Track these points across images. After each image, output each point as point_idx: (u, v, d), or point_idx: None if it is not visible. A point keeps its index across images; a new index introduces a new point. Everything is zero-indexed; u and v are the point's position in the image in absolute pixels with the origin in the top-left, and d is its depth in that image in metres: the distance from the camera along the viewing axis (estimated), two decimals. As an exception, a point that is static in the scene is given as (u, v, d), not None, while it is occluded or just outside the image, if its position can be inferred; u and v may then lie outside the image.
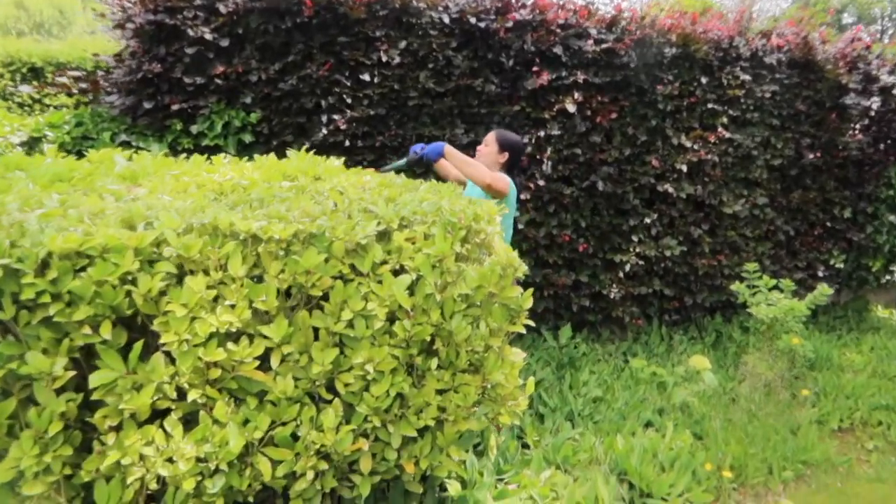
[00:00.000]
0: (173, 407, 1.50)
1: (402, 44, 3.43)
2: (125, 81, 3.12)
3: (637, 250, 4.30)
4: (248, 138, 3.21)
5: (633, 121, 4.08)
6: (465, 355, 1.76)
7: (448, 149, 2.67)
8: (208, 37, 3.09)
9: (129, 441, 1.40)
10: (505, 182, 2.68)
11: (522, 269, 1.81)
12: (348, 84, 3.36)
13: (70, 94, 3.37)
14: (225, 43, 3.14)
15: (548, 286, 4.14)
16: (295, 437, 1.58)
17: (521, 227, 3.94)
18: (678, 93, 4.15)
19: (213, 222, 1.50)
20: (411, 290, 1.63)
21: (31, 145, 3.00)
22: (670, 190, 4.18)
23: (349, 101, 3.36)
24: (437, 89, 3.54)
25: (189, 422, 1.51)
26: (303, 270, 1.54)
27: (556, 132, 3.83)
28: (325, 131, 3.30)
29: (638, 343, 4.45)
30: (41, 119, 3.01)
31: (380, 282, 1.62)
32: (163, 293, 1.44)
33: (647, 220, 4.27)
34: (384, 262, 1.65)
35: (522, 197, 3.89)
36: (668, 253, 4.26)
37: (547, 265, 4.14)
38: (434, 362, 1.73)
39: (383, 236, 1.69)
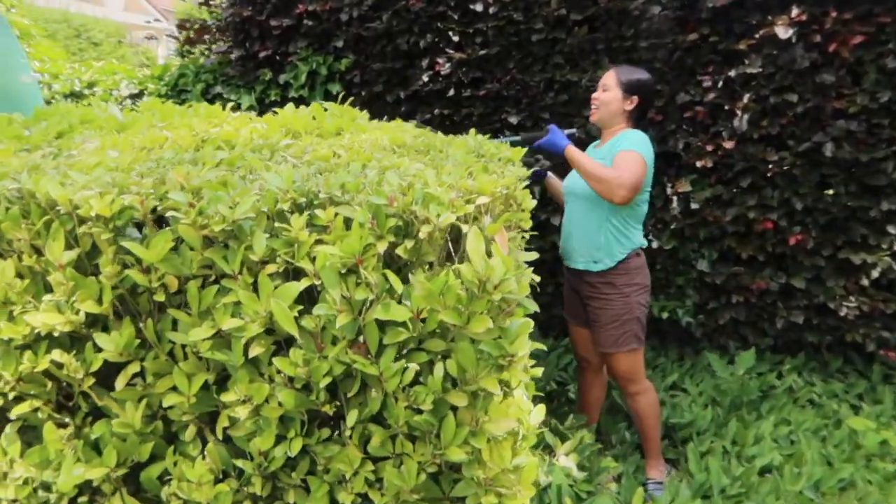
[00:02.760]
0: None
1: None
2: (222, 28, 3.03)
3: (895, 248, 2.97)
4: (335, 88, 2.90)
5: (900, 48, 2.74)
6: (403, 414, 1.17)
7: (571, 150, 2.16)
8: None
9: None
10: (638, 173, 2.05)
11: (513, 285, 1.12)
12: (455, 17, 2.79)
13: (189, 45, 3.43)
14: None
15: (736, 290, 3.11)
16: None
17: (696, 206, 2.97)
18: None
19: (30, 189, 1.15)
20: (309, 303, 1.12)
21: (139, 96, 3.10)
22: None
23: (455, 38, 2.80)
24: (573, 17, 2.77)
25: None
26: (136, 263, 1.12)
27: (757, 69, 2.75)
28: (424, 78, 2.81)
29: (888, 385, 3.13)
30: (148, 71, 3.09)
31: (254, 288, 1.11)
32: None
33: (920, 204, 2.90)
34: (265, 262, 1.13)
35: (700, 164, 2.92)
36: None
37: (737, 261, 3.10)
38: (353, 415, 1.18)
39: (283, 216, 1.18)
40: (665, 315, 3.14)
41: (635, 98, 2.17)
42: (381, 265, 1.14)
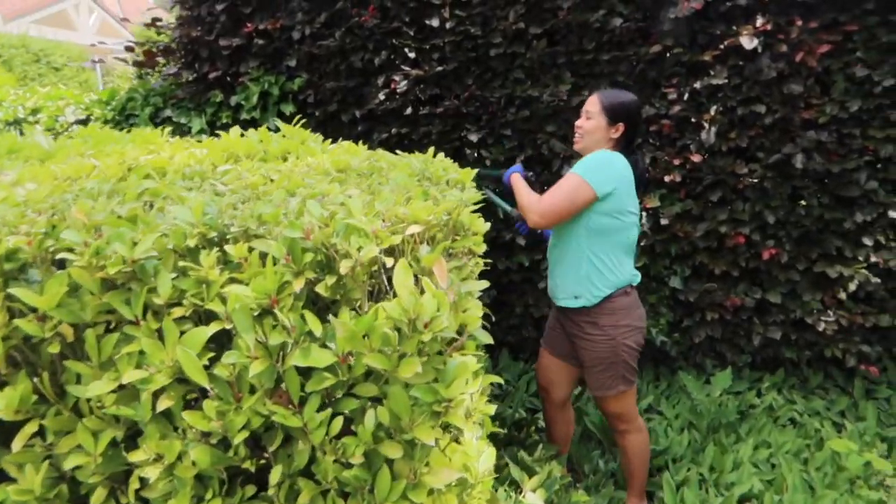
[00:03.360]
0: None
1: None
2: (171, 51, 2.95)
3: (872, 259, 2.94)
4: (289, 109, 2.82)
5: (868, 56, 2.73)
6: (331, 468, 1.07)
7: (514, 178, 2.22)
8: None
9: None
10: (558, 199, 2.01)
11: (446, 322, 1.04)
12: (410, 33, 2.74)
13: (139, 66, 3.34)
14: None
15: (711, 307, 3.06)
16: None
17: (665, 221, 2.93)
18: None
19: None
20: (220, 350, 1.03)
21: (85, 122, 3.00)
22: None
23: (411, 55, 2.74)
24: (532, 30, 2.73)
25: None
26: (29, 311, 1.02)
27: (723, 80, 2.73)
28: (380, 96, 2.74)
29: (871, 401, 3.09)
30: (94, 96, 2.99)
31: (160, 334, 1.02)
32: None
33: (894, 214, 2.88)
34: (173, 304, 1.04)
35: (669, 178, 2.88)
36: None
37: (710, 277, 3.06)
38: (278, 472, 1.08)
39: (195, 253, 1.09)
40: (639, 335, 3.07)
41: (621, 126, 2.05)
42: (302, 305, 1.05)
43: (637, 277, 2.14)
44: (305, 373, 1.06)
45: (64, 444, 1.12)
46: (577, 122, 2.14)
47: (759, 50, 2.73)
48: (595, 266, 2.05)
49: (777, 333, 3.05)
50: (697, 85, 2.80)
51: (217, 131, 2.77)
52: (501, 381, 1.33)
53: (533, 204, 2.04)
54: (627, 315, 2.08)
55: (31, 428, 1.10)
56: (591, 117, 2.08)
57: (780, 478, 2.38)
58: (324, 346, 1.04)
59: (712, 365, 3.23)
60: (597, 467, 2.49)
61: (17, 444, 1.10)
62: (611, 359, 2.07)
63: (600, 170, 1.99)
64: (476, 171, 2.13)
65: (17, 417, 1.09)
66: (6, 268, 1.05)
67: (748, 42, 2.70)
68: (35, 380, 1.07)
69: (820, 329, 3.00)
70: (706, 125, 2.85)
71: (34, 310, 1.04)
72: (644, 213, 3.00)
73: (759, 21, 2.70)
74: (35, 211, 1.15)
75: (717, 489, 2.36)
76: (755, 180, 2.89)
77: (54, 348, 1.05)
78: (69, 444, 1.12)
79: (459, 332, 1.20)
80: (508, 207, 2.35)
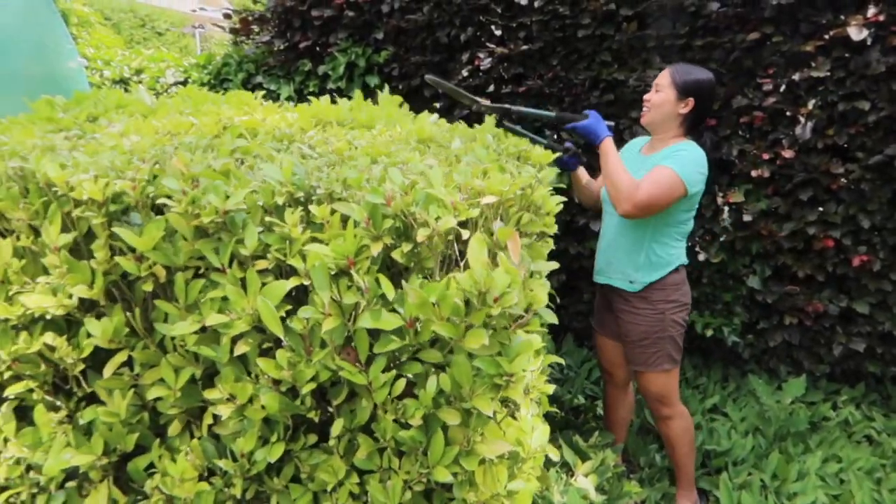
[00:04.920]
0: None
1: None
2: (266, 19, 3.05)
3: (973, 276, 2.72)
4: (374, 81, 2.87)
5: None
6: (390, 427, 1.11)
7: (609, 143, 2.03)
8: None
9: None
10: (657, 194, 1.91)
11: (516, 298, 1.05)
12: (498, 10, 2.71)
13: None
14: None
15: (790, 311, 2.92)
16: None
17: (748, 218, 2.80)
18: None
19: (31, 169, 1.15)
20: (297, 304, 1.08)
21: (184, 84, 3.16)
22: None
23: (497, 32, 2.72)
24: (623, 12, 2.65)
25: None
26: (129, 250, 1.10)
27: (824, 73, 2.56)
28: (464, 73, 2.75)
29: (959, 427, 2.88)
30: (192, 60, 3.14)
31: (243, 284, 1.08)
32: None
33: None
34: (257, 257, 1.10)
35: (756, 174, 2.75)
36: None
37: (793, 280, 2.91)
38: (339, 425, 1.14)
39: (281, 210, 1.14)
40: (709, 332, 2.97)
41: (691, 101, 1.99)
42: (377, 269, 1.09)
43: (686, 259, 2.12)
44: (375, 334, 1.10)
45: (148, 377, 1.21)
46: (646, 96, 2.08)
47: (869, 42, 2.54)
48: (656, 253, 2.04)
49: (861, 345, 2.88)
50: (796, 77, 2.64)
51: (306, 99, 2.86)
52: (562, 361, 1.34)
53: (631, 191, 1.91)
54: (677, 291, 2.08)
55: (121, 357, 1.19)
56: (661, 90, 2.02)
57: (847, 494, 2.27)
58: (393, 310, 1.07)
59: (786, 371, 3.09)
60: (653, 461, 2.45)
61: (108, 370, 1.20)
62: (659, 334, 2.06)
63: (695, 168, 1.94)
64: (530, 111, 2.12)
65: (110, 346, 1.19)
66: (111, 209, 1.13)
67: (857, 33, 2.51)
68: (128, 314, 1.16)
69: (909, 344, 2.81)
70: (802, 119, 2.69)
71: (133, 250, 1.12)
72: (726, 208, 2.88)
73: (871, 11, 2.51)
74: (140, 159, 1.23)
75: (778, 497, 2.27)
76: (852, 181, 2.71)
77: (147, 286, 1.13)
78: (153, 376, 1.21)
79: (526, 310, 1.20)
80: (552, 113, 2.19)
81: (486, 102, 2.08)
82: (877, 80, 2.60)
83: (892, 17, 2.53)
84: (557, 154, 2.03)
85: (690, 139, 2.05)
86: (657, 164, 1.96)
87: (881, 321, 2.87)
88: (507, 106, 2.09)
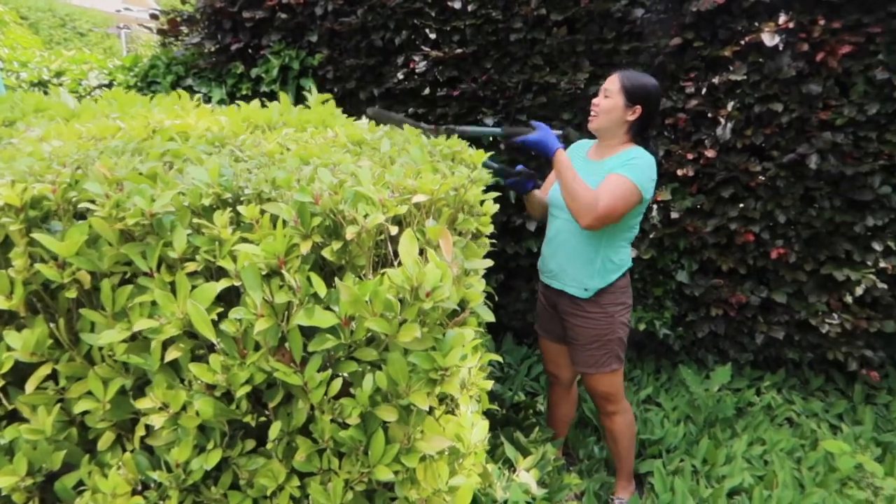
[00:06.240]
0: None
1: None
2: (195, 20, 2.98)
3: (881, 265, 2.93)
4: (308, 84, 2.85)
5: (890, 59, 2.71)
6: (328, 428, 1.11)
7: (562, 155, 2.01)
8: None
9: None
10: (615, 206, 1.92)
11: (447, 293, 1.07)
12: (432, 14, 2.75)
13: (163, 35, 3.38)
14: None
15: (716, 303, 3.07)
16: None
17: (676, 215, 2.93)
18: None
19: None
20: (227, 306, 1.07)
21: (108, 87, 3.04)
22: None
23: (432, 36, 2.76)
24: (553, 17, 2.73)
25: None
26: (51, 258, 1.06)
27: (741, 77, 2.72)
28: (399, 76, 2.76)
29: (869, 406, 3.09)
30: (117, 62, 3.03)
31: (172, 288, 1.06)
32: None
33: (906, 221, 2.87)
34: (186, 260, 1.08)
35: (681, 173, 2.88)
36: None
37: (717, 273, 3.06)
38: (277, 427, 1.13)
39: (210, 212, 1.12)
40: (642, 327, 3.09)
41: (638, 108, 2.00)
42: (309, 268, 1.09)
43: (631, 262, 2.18)
44: (309, 334, 1.10)
45: (75, 390, 1.17)
46: (594, 100, 2.09)
47: (781, 48, 2.72)
48: (609, 259, 2.07)
49: (780, 333, 3.06)
50: (716, 80, 2.79)
51: (236, 102, 2.82)
52: (500, 359, 1.37)
53: (591, 204, 1.90)
54: (624, 293, 2.14)
55: (45, 371, 1.15)
56: (609, 96, 2.03)
57: (771, 474, 2.41)
58: (328, 308, 1.08)
59: (713, 361, 3.25)
60: (591, 453, 2.53)
61: (30, 385, 1.15)
62: (608, 336, 2.11)
63: (648, 175, 1.97)
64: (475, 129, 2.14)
65: (32, 360, 1.14)
66: (30, 215, 1.09)
67: (770, 39, 2.68)
68: (51, 325, 1.12)
69: (823, 331, 3.00)
70: (722, 121, 2.84)
71: (55, 257, 1.09)
72: (655, 206, 3.01)
73: (782, 18, 2.68)
74: (60, 164, 1.19)
75: (708, 481, 2.39)
76: (768, 179, 2.88)
77: (71, 294, 1.09)
78: (80, 389, 1.17)
79: (462, 307, 1.23)
80: (498, 129, 2.18)
81: (431, 127, 2.06)
82: (788, 83, 2.78)
83: (801, 25, 2.71)
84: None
85: (638, 145, 2.07)
86: (611, 170, 1.97)
87: (797, 310, 3.05)
88: (452, 127, 2.09)
